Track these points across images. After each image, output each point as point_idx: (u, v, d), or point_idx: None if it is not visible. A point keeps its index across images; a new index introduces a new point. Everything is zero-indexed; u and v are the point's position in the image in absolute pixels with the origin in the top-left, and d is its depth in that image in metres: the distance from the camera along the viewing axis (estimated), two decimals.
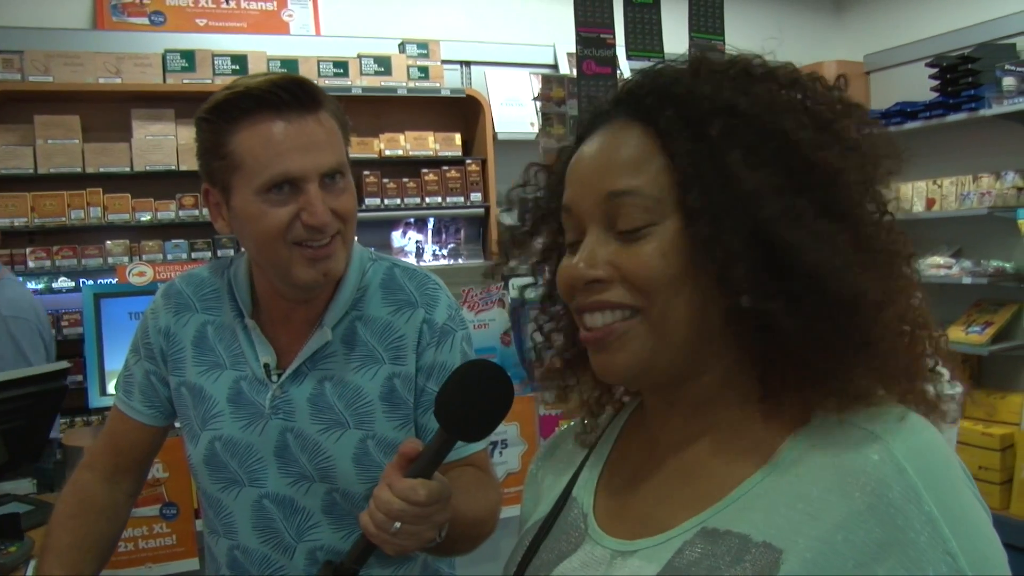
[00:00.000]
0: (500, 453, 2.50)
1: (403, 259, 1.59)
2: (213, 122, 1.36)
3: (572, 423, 1.08)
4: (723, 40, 3.10)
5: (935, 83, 5.10)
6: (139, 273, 2.61)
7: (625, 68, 4.08)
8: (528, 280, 1.02)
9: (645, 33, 2.95)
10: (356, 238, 1.53)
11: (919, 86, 5.28)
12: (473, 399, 1.07)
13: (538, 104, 3.50)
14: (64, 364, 2.69)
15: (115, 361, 2.48)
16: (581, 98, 2.94)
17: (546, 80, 3.38)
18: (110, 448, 1.57)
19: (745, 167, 0.76)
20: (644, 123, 0.82)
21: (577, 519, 0.92)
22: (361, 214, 5.36)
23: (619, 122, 0.84)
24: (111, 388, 2.49)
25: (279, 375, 1.44)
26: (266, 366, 1.44)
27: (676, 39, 3.22)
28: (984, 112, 4.78)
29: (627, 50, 3.07)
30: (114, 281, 3.73)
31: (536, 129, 5.10)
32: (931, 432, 0.77)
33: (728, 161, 0.77)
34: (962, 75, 4.92)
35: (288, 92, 1.32)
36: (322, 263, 1.36)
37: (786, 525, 0.74)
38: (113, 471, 1.55)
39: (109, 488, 1.54)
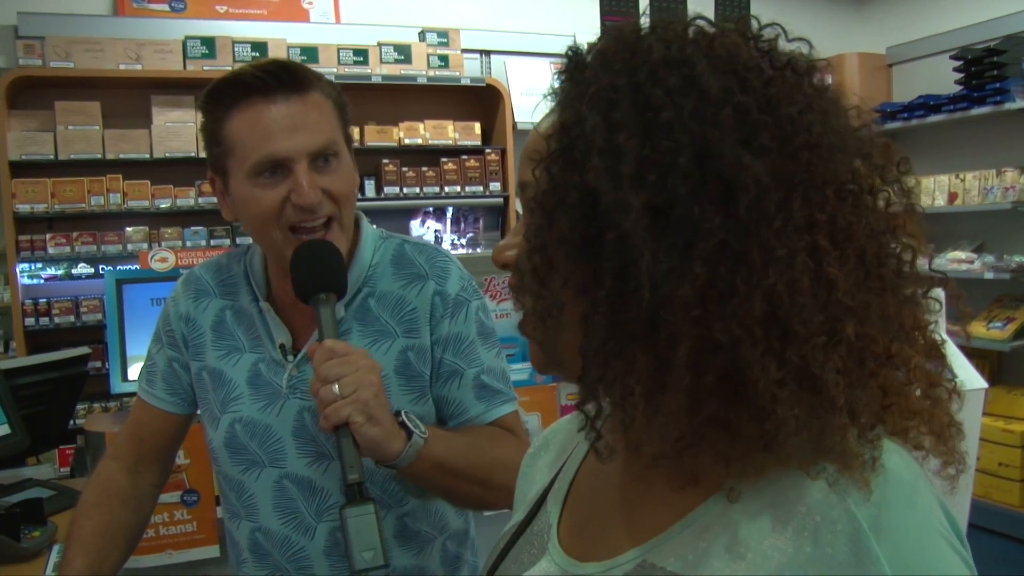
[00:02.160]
0: None
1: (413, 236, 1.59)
2: (209, 111, 1.41)
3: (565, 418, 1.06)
4: None
5: (959, 76, 5.05)
6: (161, 259, 2.61)
7: None
8: None
9: None
10: (374, 225, 1.54)
11: (943, 79, 5.23)
12: (308, 266, 1.34)
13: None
14: (85, 350, 2.70)
15: (137, 347, 2.48)
16: None
17: None
18: (133, 438, 1.58)
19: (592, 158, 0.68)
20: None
21: (543, 530, 0.89)
22: (379, 202, 5.36)
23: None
24: (132, 374, 2.48)
25: (295, 355, 1.45)
26: (282, 347, 1.46)
27: None
28: (1009, 105, 4.73)
29: None
30: (135, 267, 3.73)
31: None
32: (900, 470, 0.67)
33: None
34: (987, 68, 4.87)
35: (273, 76, 1.34)
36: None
37: (719, 567, 0.68)
38: (136, 461, 1.56)
39: (133, 478, 1.55)
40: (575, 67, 0.73)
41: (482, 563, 1.62)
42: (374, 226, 1.55)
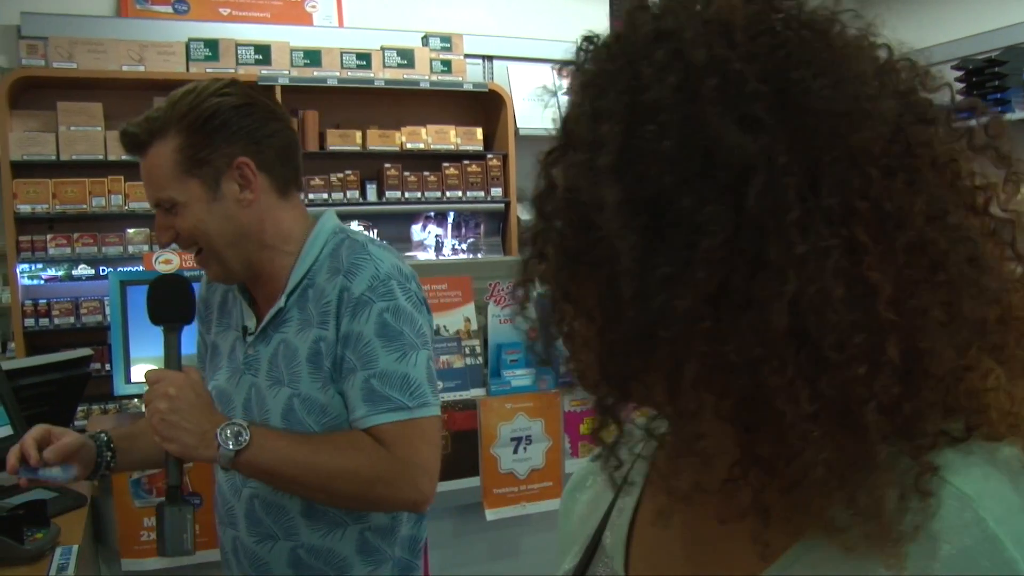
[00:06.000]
0: (524, 449, 2.47)
1: (382, 241, 1.71)
2: None
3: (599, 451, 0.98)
4: None
5: (960, 86, 5.06)
6: (165, 261, 2.60)
7: None
8: None
9: None
10: (373, 231, 1.64)
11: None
12: (159, 299, 1.57)
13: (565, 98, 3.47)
14: (87, 351, 2.69)
15: (140, 348, 2.47)
16: None
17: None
18: None
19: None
20: None
21: None
22: (381, 207, 5.35)
23: None
24: (136, 375, 2.47)
25: (253, 336, 1.62)
26: (244, 328, 1.63)
27: None
28: (1010, 116, 4.73)
29: None
30: (138, 268, 3.72)
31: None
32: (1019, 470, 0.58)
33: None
34: (988, 78, 4.88)
35: (127, 136, 1.54)
36: (206, 270, 1.62)
37: None
38: None
39: None
40: (581, 57, 0.64)
41: (422, 566, 1.63)
42: (336, 222, 1.65)
